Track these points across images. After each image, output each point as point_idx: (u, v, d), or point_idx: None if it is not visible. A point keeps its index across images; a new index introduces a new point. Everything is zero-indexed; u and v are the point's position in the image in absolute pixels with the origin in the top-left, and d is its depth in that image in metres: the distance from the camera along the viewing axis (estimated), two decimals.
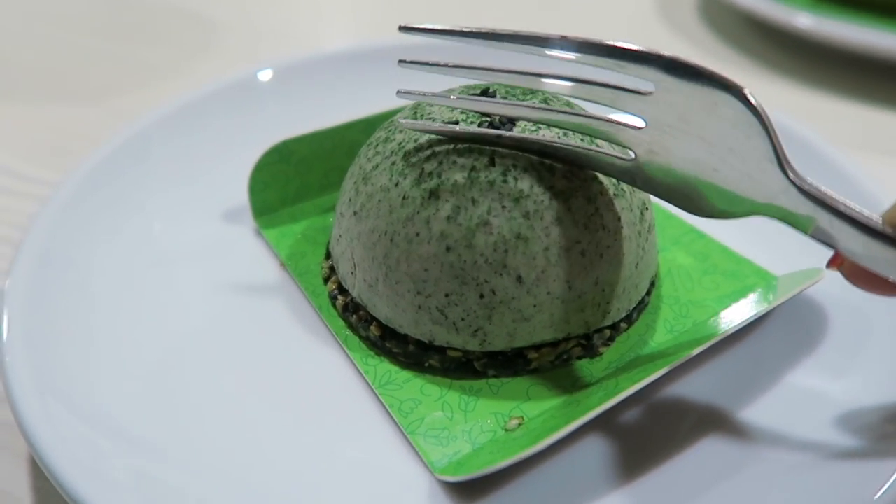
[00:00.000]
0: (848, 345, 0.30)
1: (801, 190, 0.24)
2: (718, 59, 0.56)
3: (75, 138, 0.44)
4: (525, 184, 0.28)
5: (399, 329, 0.30)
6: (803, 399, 0.28)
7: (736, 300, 0.32)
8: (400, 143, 0.30)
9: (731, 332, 0.28)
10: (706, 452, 0.27)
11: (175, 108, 0.39)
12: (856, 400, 0.28)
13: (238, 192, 0.36)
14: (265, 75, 0.43)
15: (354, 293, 0.31)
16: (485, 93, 0.31)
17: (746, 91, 0.24)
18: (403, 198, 0.28)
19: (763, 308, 0.29)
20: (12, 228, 0.32)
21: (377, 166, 0.30)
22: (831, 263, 0.25)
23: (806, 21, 0.52)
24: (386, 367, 0.30)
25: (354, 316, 0.31)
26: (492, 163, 0.28)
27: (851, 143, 0.44)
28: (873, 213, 0.23)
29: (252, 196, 0.36)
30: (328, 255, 0.34)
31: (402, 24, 0.28)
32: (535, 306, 0.28)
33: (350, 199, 0.31)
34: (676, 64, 0.25)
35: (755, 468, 0.26)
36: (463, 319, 0.28)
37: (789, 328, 0.31)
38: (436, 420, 0.28)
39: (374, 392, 0.29)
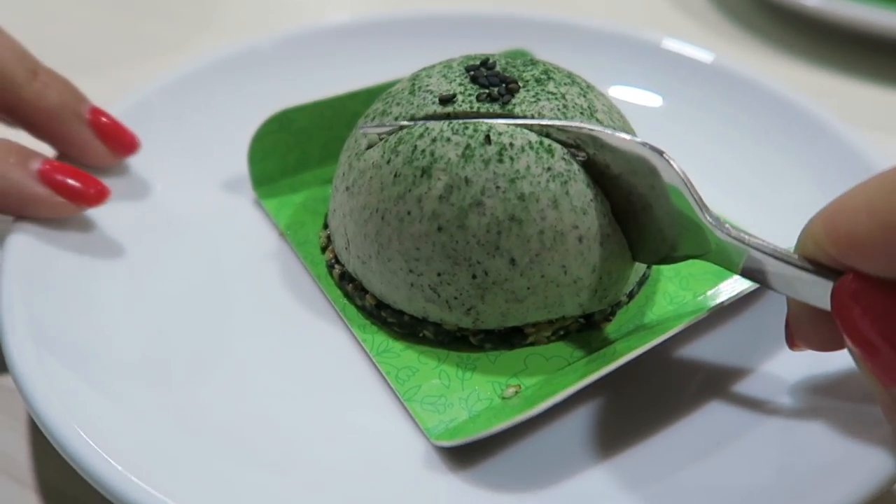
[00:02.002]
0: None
1: (723, 232, 0.25)
2: (729, 40, 0.56)
3: None
4: (521, 164, 0.27)
5: (393, 304, 0.30)
6: (802, 368, 0.28)
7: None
8: (395, 118, 0.30)
9: (730, 301, 0.28)
10: (702, 421, 0.27)
11: (175, 78, 0.39)
12: (845, 380, 0.28)
13: (238, 162, 0.36)
14: (266, 46, 0.42)
15: (349, 268, 0.31)
16: (484, 63, 0.31)
17: (665, 154, 0.26)
18: (395, 175, 0.28)
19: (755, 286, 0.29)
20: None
21: (371, 142, 0.30)
22: (790, 343, 0.26)
23: (815, 1, 0.52)
24: (383, 336, 0.30)
25: (350, 285, 0.31)
26: (487, 140, 0.27)
27: (861, 123, 0.44)
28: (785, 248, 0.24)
29: (251, 166, 0.36)
30: (326, 225, 0.34)
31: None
32: (528, 288, 0.28)
33: (344, 174, 0.30)
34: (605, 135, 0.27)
35: (753, 435, 0.26)
36: (456, 298, 0.28)
37: (782, 310, 0.31)
38: (433, 387, 0.28)
39: (371, 360, 0.29)
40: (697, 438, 0.26)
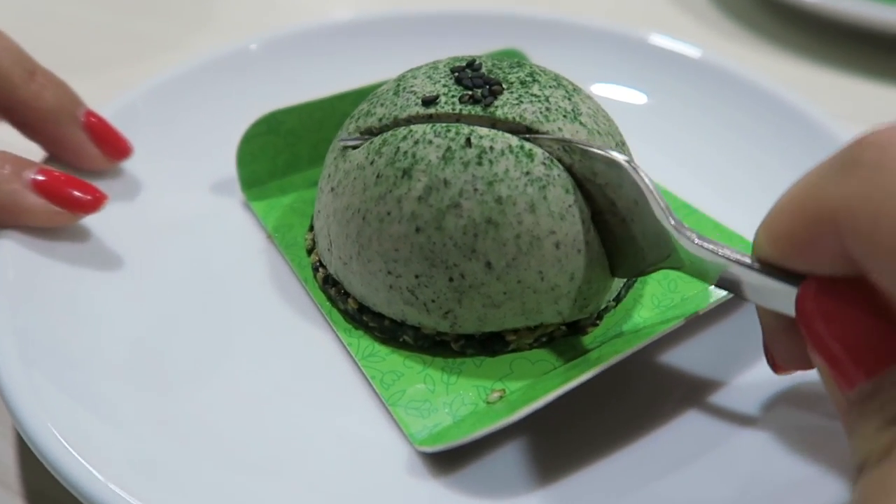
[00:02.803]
0: None
1: (688, 240, 0.25)
2: (728, 37, 0.55)
3: None
4: (500, 167, 0.27)
5: (373, 307, 0.30)
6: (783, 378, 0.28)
7: None
8: (379, 119, 0.30)
9: (716, 304, 0.28)
10: (689, 424, 0.27)
11: (163, 80, 0.39)
12: None
13: (228, 164, 0.36)
14: (256, 46, 0.42)
15: (331, 269, 0.31)
16: (470, 65, 0.31)
17: (630, 163, 0.26)
18: (377, 176, 0.28)
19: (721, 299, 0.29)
20: None
21: (356, 143, 0.30)
22: (774, 368, 0.26)
23: None
24: (368, 340, 0.30)
25: (333, 289, 0.31)
26: (468, 143, 0.27)
27: (859, 119, 0.43)
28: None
29: (240, 168, 0.36)
30: (312, 227, 0.34)
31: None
32: (504, 293, 0.28)
33: (329, 175, 0.31)
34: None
35: (739, 438, 0.26)
36: (433, 301, 0.28)
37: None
38: (417, 392, 0.28)
39: (356, 364, 0.29)
40: (677, 447, 0.26)
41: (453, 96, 0.29)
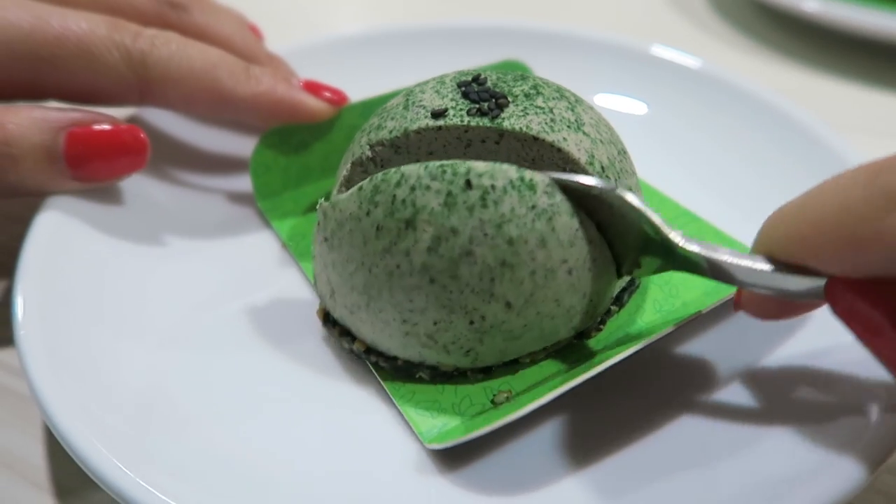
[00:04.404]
0: (831, 324, 0.30)
1: (687, 249, 0.26)
2: (729, 45, 0.56)
3: None
4: (506, 207, 0.27)
5: (387, 352, 0.29)
6: (786, 374, 0.29)
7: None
8: (390, 132, 0.31)
9: (714, 306, 0.29)
10: (693, 424, 0.28)
11: None
12: (838, 375, 0.29)
13: (244, 174, 0.38)
14: None
15: (335, 314, 0.30)
16: (476, 79, 0.32)
17: (618, 191, 0.27)
18: (377, 228, 0.27)
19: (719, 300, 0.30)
20: (22, 207, 0.34)
21: (345, 190, 0.30)
22: (736, 307, 0.28)
23: (813, 5, 0.52)
24: None
25: (337, 328, 0.31)
26: (468, 185, 0.27)
27: (859, 127, 0.44)
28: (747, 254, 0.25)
29: (254, 178, 0.37)
30: None
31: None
32: (525, 326, 0.28)
33: (318, 224, 0.29)
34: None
35: (738, 437, 0.27)
36: (454, 343, 0.28)
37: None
38: (426, 393, 0.29)
39: (367, 365, 0.30)
40: (680, 446, 0.27)
41: (461, 109, 0.31)
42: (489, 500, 0.26)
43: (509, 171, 0.27)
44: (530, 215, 0.27)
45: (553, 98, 0.31)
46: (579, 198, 0.28)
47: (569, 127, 0.30)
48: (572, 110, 0.31)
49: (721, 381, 0.29)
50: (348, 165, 0.33)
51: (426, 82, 0.33)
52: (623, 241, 0.29)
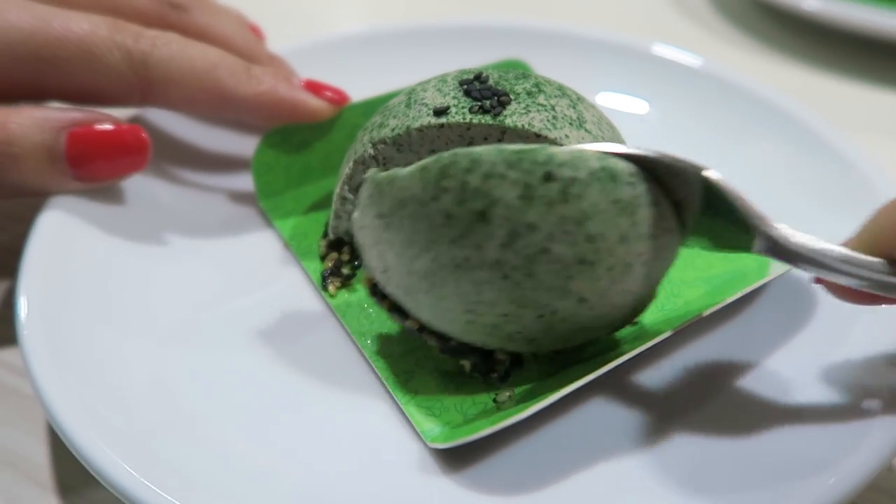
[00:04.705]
0: (832, 328, 0.31)
1: (780, 243, 0.25)
2: (730, 43, 0.56)
3: None
4: (588, 202, 0.25)
5: (443, 333, 0.28)
6: (788, 373, 0.29)
7: (726, 279, 0.33)
8: (392, 130, 0.31)
9: (716, 308, 0.29)
10: (697, 425, 0.28)
11: None
12: (841, 374, 0.29)
13: (246, 174, 0.38)
14: None
15: (387, 289, 0.28)
16: (477, 77, 0.32)
17: (709, 172, 0.25)
18: (447, 216, 0.25)
19: (750, 287, 0.30)
20: (24, 207, 0.34)
21: (405, 166, 0.29)
22: (817, 281, 0.27)
23: (813, 4, 0.52)
24: (381, 342, 0.31)
25: (385, 301, 0.29)
26: (548, 177, 0.25)
27: (861, 126, 0.44)
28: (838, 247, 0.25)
29: (256, 178, 0.37)
30: (325, 234, 0.35)
31: None
32: (595, 317, 0.27)
33: (371, 196, 0.27)
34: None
35: (738, 437, 0.27)
36: (519, 332, 0.27)
37: (777, 309, 0.32)
38: (429, 392, 0.29)
39: (370, 365, 0.30)
40: (683, 447, 0.27)
41: (463, 107, 0.31)
42: (492, 499, 0.26)
43: (591, 159, 0.25)
44: (612, 210, 0.25)
45: (555, 96, 0.31)
46: (658, 176, 0.26)
47: (571, 124, 0.31)
48: (574, 108, 0.31)
49: (723, 380, 0.29)
50: (350, 164, 0.33)
51: (428, 81, 0.33)
52: (686, 218, 0.27)
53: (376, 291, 0.29)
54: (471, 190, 0.25)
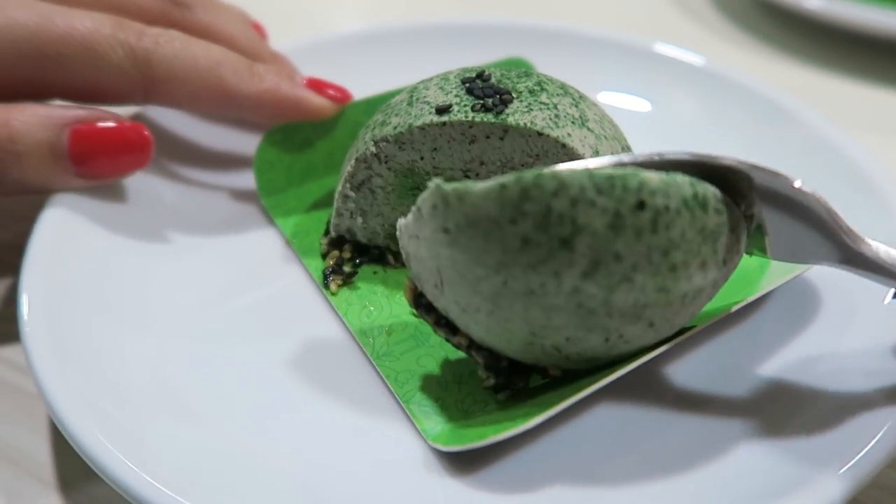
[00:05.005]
0: (836, 324, 0.31)
1: (871, 259, 0.25)
2: (730, 41, 0.56)
3: None
4: (676, 231, 0.24)
5: (497, 351, 0.27)
6: (790, 372, 0.29)
7: (730, 280, 0.32)
8: (394, 128, 0.31)
9: (723, 315, 0.29)
10: (700, 428, 0.28)
11: None
12: (841, 373, 0.29)
13: (248, 172, 0.38)
14: None
15: (438, 304, 0.27)
16: (479, 76, 0.32)
17: (797, 182, 0.25)
18: (524, 241, 0.23)
19: (758, 293, 0.29)
20: (27, 205, 0.34)
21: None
22: None
23: (815, 3, 0.52)
24: (383, 340, 0.31)
25: (433, 314, 0.28)
26: (640, 206, 0.23)
27: (863, 125, 0.44)
28: None
29: (257, 176, 0.37)
30: (327, 232, 0.35)
31: None
32: (656, 339, 0.27)
33: (435, 208, 0.24)
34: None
35: (747, 436, 0.27)
36: (579, 354, 0.26)
37: (780, 306, 0.32)
38: (430, 390, 0.29)
39: (371, 363, 0.30)
40: (687, 447, 0.27)
41: (465, 105, 0.31)
42: (495, 497, 0.26)
43: (684, 186, 0.24)
44: (698, 239, 0.24)
45: (557, 94, 0.31)
46: (734, 186, 0.25)
47: (573, 123, 0.31)
48: (576, 106, 0.31)
49: (727, 380, 0.29)
50: (352, 162, 0.33)
51: (430, 79, 0.33)
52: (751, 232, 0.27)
53: (421, 303, 0.28)
54: (556, 215, 0.23)
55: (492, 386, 0.28)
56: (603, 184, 0.23)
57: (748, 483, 0.26)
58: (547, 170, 0.23)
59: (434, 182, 0.24)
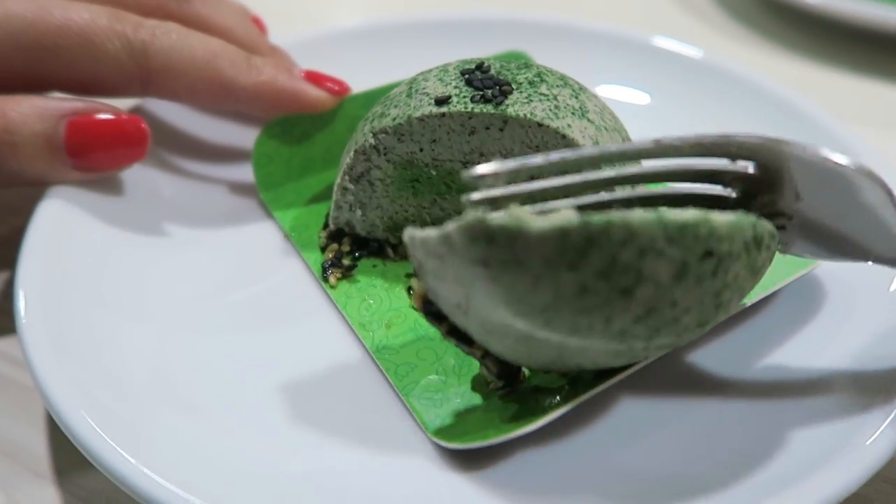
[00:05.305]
0: (842, 319, 0.31)
1: None
2: (730, 36, 0.56)
3: None
4: (732, 274, 0.23)
5: (511, 362, 0.27)
6: (795, 369, 0.29)
7: None
8: (393, 119, 0.31)
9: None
10: (706, 422, 0.28)
11: None
12: (846, 369, 0.29)
13: (246, 166, 0.37)
14: None
15: (457, 321, 0.26)
16: (479, 67, 0.32)
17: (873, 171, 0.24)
18: (582, 289, 0.22)
19: (767, 290, 0.29)
20: (23, 199, 0.34)
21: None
22: None
23: None
24: (383, 333, 0.31)
25: (445, 324, 0.27)
26: (707, 254, 0.22)
27: (863, 119, 0.44)
28: None
29: (256, 170, 0.37)
30: (326, 225, 0.35)
31: (475, 174, 0.23)
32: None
33: (476, 241, 0.22)
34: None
35: (751, 428, 0.27)
36: (593, 365, 0.26)
37: (785, 300, 0.32)
38: (430, 383, 0.29)
39: (371, 357, 0.30)
40: (693, 443, 0.27)
41: (465, 96, 0.30)
42: (498, 491, 0.26)
43: (746, 229, 0.23)
44: (747, 276, 0.24)
45: (557, 85, 0.31)
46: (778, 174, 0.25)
47: (573, 114, 0.30)
48: (576, 97, 0.31)
49: (734, 373, 0.29)
50: (351, 154, 0.32)
51: (429, 71, 0.33)
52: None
53: (430, 311, 0.26)
54: (621, 266, 0.22)
55: (499, 388, 0.28)
56: (675, 233, 0.22)
57: (742, 479, 0.25)
58: (618, 215, 0.21)
59: (475, 214, 0.21)
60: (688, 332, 0.25)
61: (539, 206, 0.24)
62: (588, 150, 0.24)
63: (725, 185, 0.26)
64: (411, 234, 0.24)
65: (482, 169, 0.23)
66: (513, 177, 0.23)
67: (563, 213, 0.21)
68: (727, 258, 0.23)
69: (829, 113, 0.38)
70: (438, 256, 0.23)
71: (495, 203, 0.23)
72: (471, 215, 0.21)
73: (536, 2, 0.59)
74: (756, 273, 0.25)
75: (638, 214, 0.21)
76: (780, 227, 0.26)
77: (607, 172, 0.25)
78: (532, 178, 0.24)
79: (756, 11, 0.59)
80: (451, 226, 0.22)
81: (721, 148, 0.25)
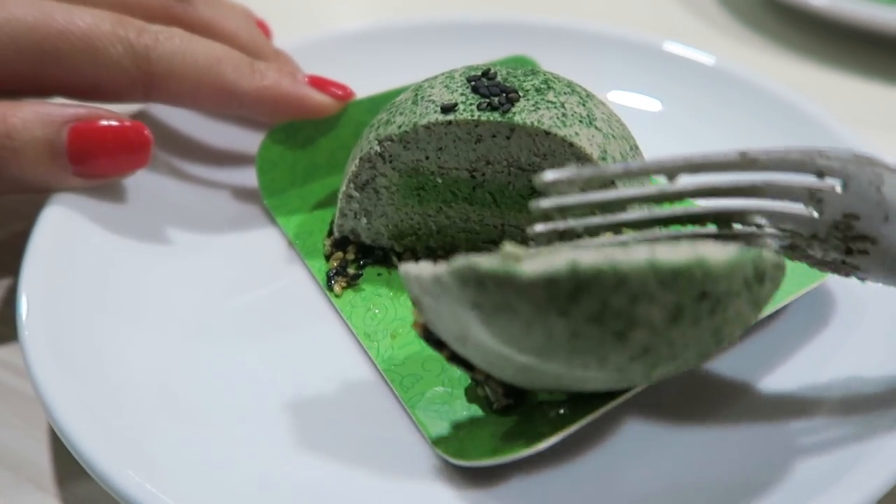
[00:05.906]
0: (852, 331, 0.30)
1: None
2: (735, 39, 0.56)
3: None
4: (731, 312, 0.23)
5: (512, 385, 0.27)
6: (805, 380, 0.29)
7: None
8: (399, 126, 0.30)
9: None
10: (715, 437, 0.27)
11: None
12: (852, 379, 0.29)
13: (250, 172, 0.37)
14: None
15: (456, 349, 0.25)
16: (485, 74, 0.32)
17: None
18: (574, 335, 0.22)
19: (771, 309, 0.29)
20: (25, 205, 0.34)
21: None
22: None
23: (821, 1, 0.52)
24: (388, 344, 0.30)
25: (446, 351, 0.26)
26: (702, 296, 0.22)
27: (871, 122, 0.44)
28: None
29: (260, 175, 0.37)
30: (330, 233, 0.35)
31: (546, 180, 0.23)
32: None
33: (466, 286, 0.22)
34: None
35: (762, 440, 0.27)
36: (596, 389, 0.26)
37: (793, 313, 0.31)
38: (436, 395, 0.28)
39: (376, 367, 0.30)
40: (684, 457, 0.27)
41: (471, 104, 0.30)
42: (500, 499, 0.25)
43: (746, 265, 0.22)
44: (749, 310, 0.23)
45: (564, 93, 0.31)
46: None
47: (581, 122, 0.30)
48: (584, 105, 0.31)
49: (742, 388, 0.29)
50: (356, 161, 0.32)
51: (435, 77, 0.33)
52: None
53: (431, 338, 0.26)
54: (612, 311, 0.21)
55: (503, 407, 0.27)
56: (668, 278, 0.21)
57: (766, 496, 0.25)
58: (607, 262, 0.21)
59: (465, 260, 0.21)
60: (688, 364, 0.24)
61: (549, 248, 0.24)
62: (669, 158, 0.24)
63: (806, 203, 0.24)
64: (406, 269, 0.24)
65: (552, 175, 0.23)
66: (586, 184, 0.23)
67: (554, 259, 0.21)
68: (725, 297, 0.22)
69: (837, 116, 0.38)
70: (433, 295, 0.23)
71: (563, 212, 0.24)
72: (460, 261, 0.21)
73: (541, 5, 0.59)
74: (759, 305, 0.24)
75: (629, 259, 0.21)
76: (862, 252, 0.24)
77: (678, 210, 0.25)
78: (603, 185, 0.24)
79: (760, 13, 0.59)
80: (442, 268, 0.22)
81: (807, 165, 0.24)
